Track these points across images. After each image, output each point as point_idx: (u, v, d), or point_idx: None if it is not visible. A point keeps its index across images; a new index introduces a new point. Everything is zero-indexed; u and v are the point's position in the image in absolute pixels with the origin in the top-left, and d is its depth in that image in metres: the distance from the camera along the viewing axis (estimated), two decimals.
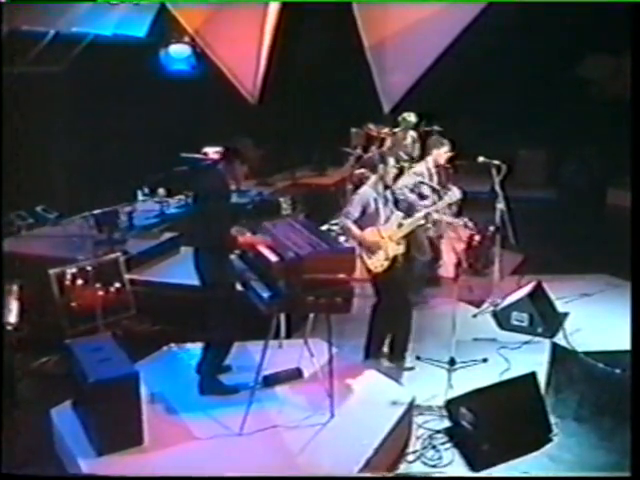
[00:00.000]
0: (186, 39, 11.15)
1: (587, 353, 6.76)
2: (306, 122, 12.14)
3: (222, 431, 5.14)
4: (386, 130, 9.58)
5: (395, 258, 6.38)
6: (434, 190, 7.46)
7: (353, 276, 5.29)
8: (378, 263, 6.31)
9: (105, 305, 7.36)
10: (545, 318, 7.28)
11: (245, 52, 10.95)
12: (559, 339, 7.13)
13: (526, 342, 7.08)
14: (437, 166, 7.85)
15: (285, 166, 12.46)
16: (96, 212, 8.32)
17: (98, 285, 7.41)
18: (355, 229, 6.30)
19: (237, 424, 5.12)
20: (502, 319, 7.49)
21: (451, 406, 5.69)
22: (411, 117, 9.65)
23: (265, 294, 5.09)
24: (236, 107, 11.03)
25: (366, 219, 6.35)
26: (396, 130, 9.47)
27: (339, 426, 5.22)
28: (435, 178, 7.80)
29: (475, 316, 7.75)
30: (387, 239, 6.32)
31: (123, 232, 8.80)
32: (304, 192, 10.88)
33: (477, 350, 6.81)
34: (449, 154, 7.86)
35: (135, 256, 8.36)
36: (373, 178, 6.50)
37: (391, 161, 6.42)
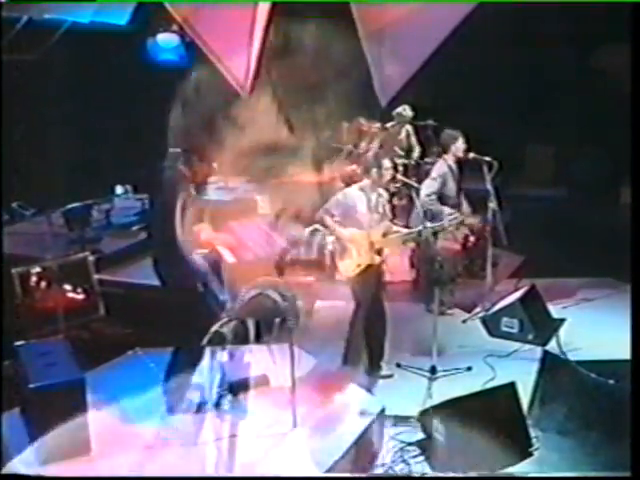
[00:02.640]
0: (174, 28, 11.11)
1: (580, 362, 6.64)
2: (299, 117, 12.08)
3: (178, 440, 5.12)
4: (377, 125, 9.53)
5: (370, 266, 6.29)
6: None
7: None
8: (350, 268, 6.25)
9: (71, 307, 7.36)
10: (537, 324, 7.18)
11: (236, 43, 10.90)
12: (553, 347, 7.02)
13: (514, 350, 6.98)
14: (458, 161, 7.73)
15: (276, 162, 12.40)
16: (64, 209, 8.30)
17: (64, 285, 7.41)
18: (332, 224, 6.26)
19: (194, 432, 5.11)
20: (491, 325, 7.39)
21: (424, 417, 5.62)
22: (407, 111, 9.59)
23: (222, 296, 5.06)
24: (226, 100, 10.98)
25: (347, 221, 6.29)
26: (388, 125, 9.43)
27: (301, 436, 5.21)
28: (457, 174, 7.70)
29: (465, 321, 7.68)
30: (367, 246, 6.22)
31: (97, 230, 8.80)
32: (293, 189, 10.82)
33: (463, 358, 6.76)
34: (465, 145, 7.66)
35: (109, 256, 8.36)
36: (365, 181, 6.42)
37: (386, 163, 6.36)
